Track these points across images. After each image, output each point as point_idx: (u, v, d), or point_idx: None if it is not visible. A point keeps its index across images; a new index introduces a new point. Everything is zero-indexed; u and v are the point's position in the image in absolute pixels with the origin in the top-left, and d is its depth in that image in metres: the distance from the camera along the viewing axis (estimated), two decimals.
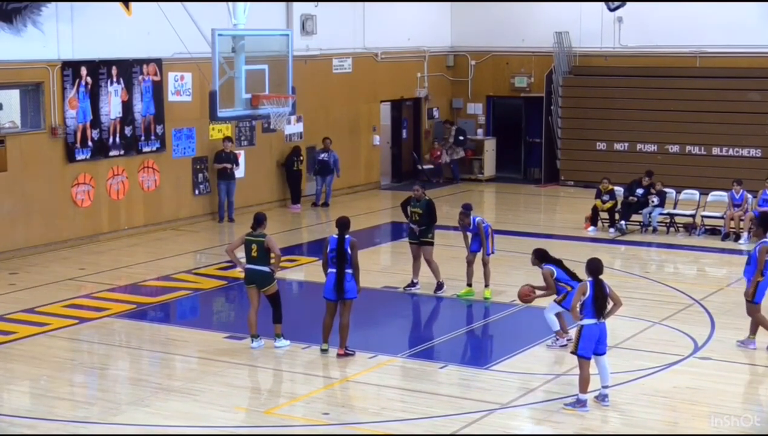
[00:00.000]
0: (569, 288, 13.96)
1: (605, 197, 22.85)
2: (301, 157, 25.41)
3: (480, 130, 31.02)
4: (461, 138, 29.89)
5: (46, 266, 19.31)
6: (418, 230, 17.27)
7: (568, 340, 14.15)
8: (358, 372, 13.43)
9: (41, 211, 20.34)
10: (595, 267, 12.04)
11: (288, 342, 14.45)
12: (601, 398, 12.20)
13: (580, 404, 12.01)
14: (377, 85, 28.52)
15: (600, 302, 11.89)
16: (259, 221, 14.45)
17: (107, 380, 13.50)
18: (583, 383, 11.95)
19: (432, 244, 17.31)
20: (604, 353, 12.13)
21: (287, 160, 25.28)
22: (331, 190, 25.99)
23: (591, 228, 22.74)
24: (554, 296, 14.28)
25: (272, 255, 14.37)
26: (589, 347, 11.93)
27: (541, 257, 14.46)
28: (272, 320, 14.37)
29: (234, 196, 23.59)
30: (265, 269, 14.29)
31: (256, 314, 14.36)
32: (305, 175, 25.94)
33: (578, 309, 11.96)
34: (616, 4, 27.54)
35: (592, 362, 12.03)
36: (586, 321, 11.90)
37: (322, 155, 25.67)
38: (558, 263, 14.39)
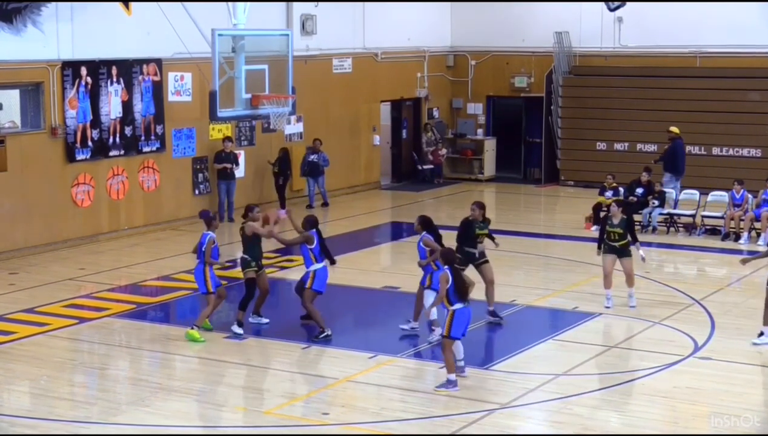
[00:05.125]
0: (435, 267, 14.52)
1: (608, 193, 22.85)
2: (289, 161, 24.97)
3: (480, 130, 31.03)
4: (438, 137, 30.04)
5: (46, 266, 19.31)
6: None
7: (412, 328, 15.06)
8: (358, 372, 13.43)
9: (41, 211, 20.34)
10: (449, 257, 12.95)
11: (241, 331, 15.03)
12: (459, 370, 12.97)
13: (451, 384, 12.65)
14: (377, 85, 28.51)
15: (462, 287, 12.71)
16: (247, 208, 15.51)
17: (107, 380, 13.50)
18: (449, 365, 12.71)
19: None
20: (464, 336, 12.96)
21: (280, 164, 24.72)
22: (325, 190, 25.72)
23: (594, 227, 22.73)
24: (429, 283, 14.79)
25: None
26: (460, 329, 12.72)
27: (424, 224, 14.93)
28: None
29: (234, 196, 23.58)
30: (244, 255, 15.28)
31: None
32: (295, 178, 25.69)
33: (446, 297, 12.67)
34: (616, 4, 27.54)
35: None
36: (457, 306, 12.64)
37: (312, 157, 25.35)
38: (437, 237, 14.84)
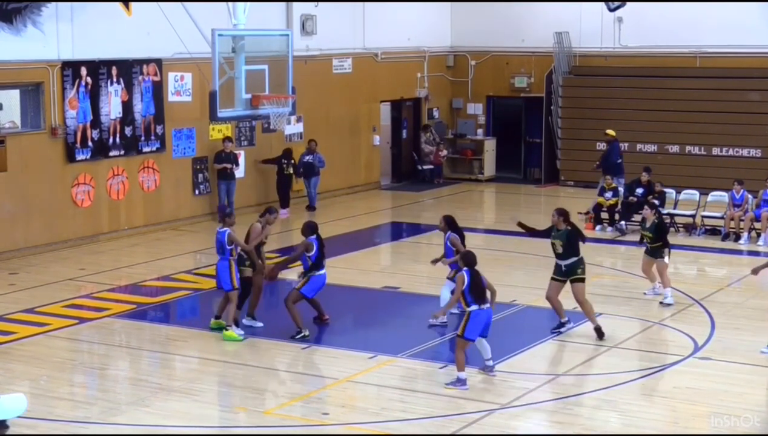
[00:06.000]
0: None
1: (608, 194, 22.84)
2: (293, 160, 24.80)
3: (480, 130, 31.03)
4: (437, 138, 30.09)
5: (46, 266, 19.30)
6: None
7: (442, 323, 15.15)
8: (358, 372, 13.43)
9: (41, 211, 20.34)
10: (469, 260, 13.05)
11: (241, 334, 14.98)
12: (489, 369, 13.18)
13: (460, 382, 12.71)
14: (377, 85, 28.51)
15: (477, 289, 12.79)
16: (265, 210, 15.72)
17: (107, 380, 13.50)
18: (460, 363, 12.78)
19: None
20: (486, 336, 13.05)
21: (277, 162, 24.77)
22: (316, 192, 25.41)
23: (598, 227, 22.74)
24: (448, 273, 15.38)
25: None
26: (476, 331, 12.79)
27: (449, 224, 15.49)
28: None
29: (234, 196, 23.56)
30: (241, 253, 15.31)
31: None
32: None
33: (462, 297, 12.81)
34: (616, 4, 27.54)
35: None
36: (473, 308, 12.75)
37: (307, 157, 25.11)
38: (462, 235, 15.39)
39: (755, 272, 15.00)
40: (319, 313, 15.43)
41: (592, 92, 28.94)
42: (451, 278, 15.07)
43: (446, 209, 25.61)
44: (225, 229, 14.91)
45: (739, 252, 20.80)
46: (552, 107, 29.35)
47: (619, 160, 24.26)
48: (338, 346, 14.65)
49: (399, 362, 13.83)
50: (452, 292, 14.18)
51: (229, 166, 23.37)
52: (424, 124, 30.22)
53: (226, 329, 14.74)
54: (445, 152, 30.16)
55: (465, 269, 12.94)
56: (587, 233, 22.22)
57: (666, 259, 16.66)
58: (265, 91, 17.72)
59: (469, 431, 11.47)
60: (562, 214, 14.94)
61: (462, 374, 12.74)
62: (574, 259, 14.77)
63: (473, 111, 31.13)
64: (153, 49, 21.92)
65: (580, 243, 14.89)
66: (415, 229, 23.82)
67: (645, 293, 17.12)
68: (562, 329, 15.06)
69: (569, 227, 14.91)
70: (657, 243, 16.70)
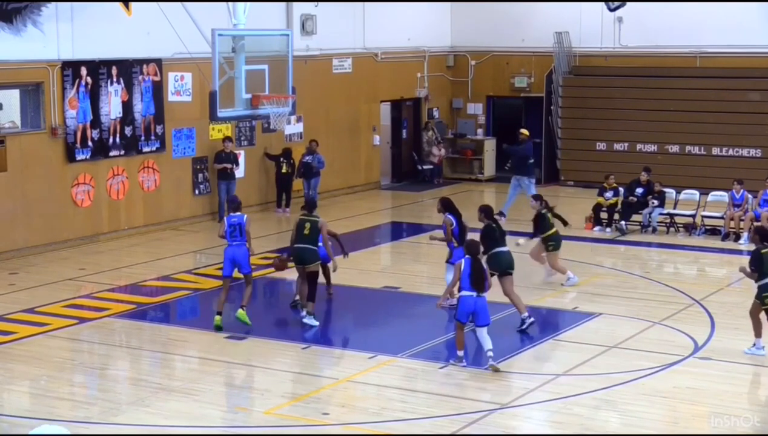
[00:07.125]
0: (456, 244, 15.65)
1: (608, 194, 22.83)
2: (292, 160, 24.71)
3: (480, 130, 31.03)
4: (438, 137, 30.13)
5: (46, 266, 19.30)
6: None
7: (450, 305, 15.11)
8: (358, 372, 13.43)
9: (41, 211, 20.34)
10: (473, 249, 13.54)
11: (317, 322, 15.28)
12: (486, 360, 13.30)
13: (457, 359, 13.45)
14: (377, 85, 28.51)
15: (475, 277, 13.23)
16: (312, 204, 15.95)
17: (107, 380, 13.50)
18: (458, 342, 13.52)
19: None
20: (484, 325, 13.32)
21: (275, 160, 24.78)
22: (317, 193, 25.20)
23: (597, 227, 22.73)
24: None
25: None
26: (465, 314, 13.32)
27: (445, 206, 16.04)
28: (306, 298, 15.38)
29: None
30: (313, 247, 15.39)
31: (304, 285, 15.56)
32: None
33: (456, 284, 13.43)
34: (616, 4, 27.54)
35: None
36: (464, 293, 13.28)
37: (307, 158, 24.94)
38: (459, 217, 15.90)
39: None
40: (326, 282, 16.41)
41: (592, 92, 28.94)
42: (448, 261, 15.95)
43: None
44: (240, 214, 15.14)
45: (739, 252, 20.78)
46: (552, 107, 29.35)
47: (530, 161, 24.32)
48: (338, 346, 14.66)
49: (399, 362, 13.83)
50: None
51: (229, 166, 23.35)
52: (426, 122, 30.21)
53: (242, 308, 15.03)
54: (443, 151, 30.17)
55: (467, 256, 13.40)
56: (587, 233, 22.35)
57: (520, 240, 17.85)
58: (265, 91, 17.72)
59: (469, 431, 11.47)
60: (482, 211, 15.60)
61: (459, 352, 13.46)
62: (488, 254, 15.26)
63: (473, 111, 31.13)
64: (153, 49, 21.92)
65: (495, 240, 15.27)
66: (415, 229, 23.80)
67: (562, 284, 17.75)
68: (523, 326, 15.17)
69: (485, 223, 15.41)
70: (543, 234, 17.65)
